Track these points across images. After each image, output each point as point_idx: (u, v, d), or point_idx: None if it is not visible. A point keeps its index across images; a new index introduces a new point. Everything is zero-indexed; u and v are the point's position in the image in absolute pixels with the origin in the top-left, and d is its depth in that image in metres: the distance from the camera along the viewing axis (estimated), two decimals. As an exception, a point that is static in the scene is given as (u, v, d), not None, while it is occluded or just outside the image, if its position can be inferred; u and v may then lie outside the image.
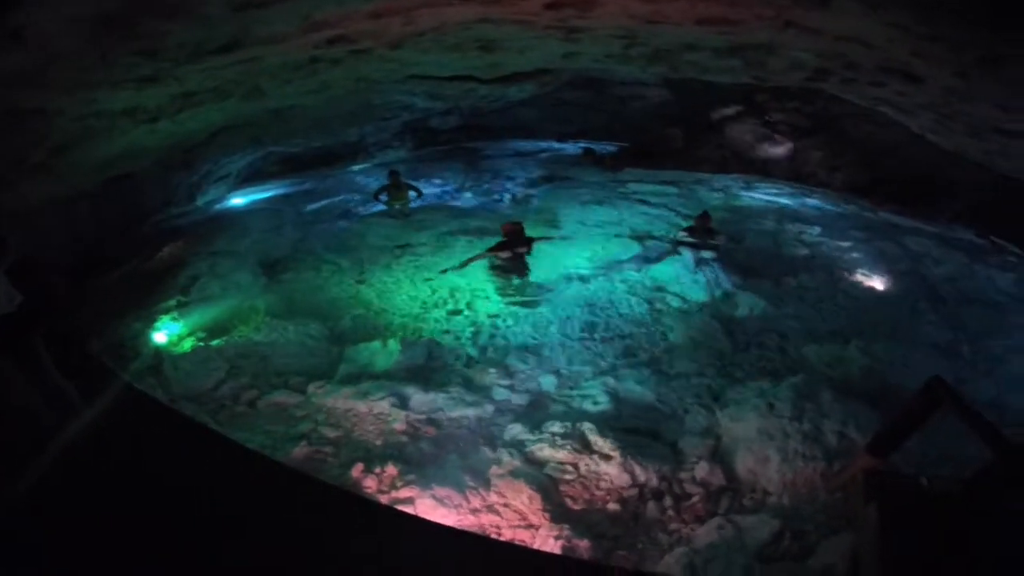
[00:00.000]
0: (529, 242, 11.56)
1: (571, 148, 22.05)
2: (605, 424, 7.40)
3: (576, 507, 6.32)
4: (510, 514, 6.14)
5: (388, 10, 7.27)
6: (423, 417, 7.59)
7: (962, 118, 10.29)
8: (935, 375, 5.42)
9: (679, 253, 12.47)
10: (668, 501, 6.46)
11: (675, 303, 10.88)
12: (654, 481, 6.65)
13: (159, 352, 9.03)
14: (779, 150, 19.12)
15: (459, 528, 5.56)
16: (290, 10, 6.71)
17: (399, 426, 7.42)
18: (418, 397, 7.90)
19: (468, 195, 17.54)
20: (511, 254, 11.26)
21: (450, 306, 10.75)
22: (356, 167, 19.90)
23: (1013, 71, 6.89)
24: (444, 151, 21.39)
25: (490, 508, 6.18)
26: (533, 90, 18.43)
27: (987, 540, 4.81)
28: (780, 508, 6.30)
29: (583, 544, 5.68)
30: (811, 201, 17.10)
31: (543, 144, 22.32)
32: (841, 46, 8.78)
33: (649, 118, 21.11)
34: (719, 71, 12.10)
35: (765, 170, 19.16)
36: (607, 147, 21.43)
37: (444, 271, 11.52)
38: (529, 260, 11.59)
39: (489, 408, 7.86)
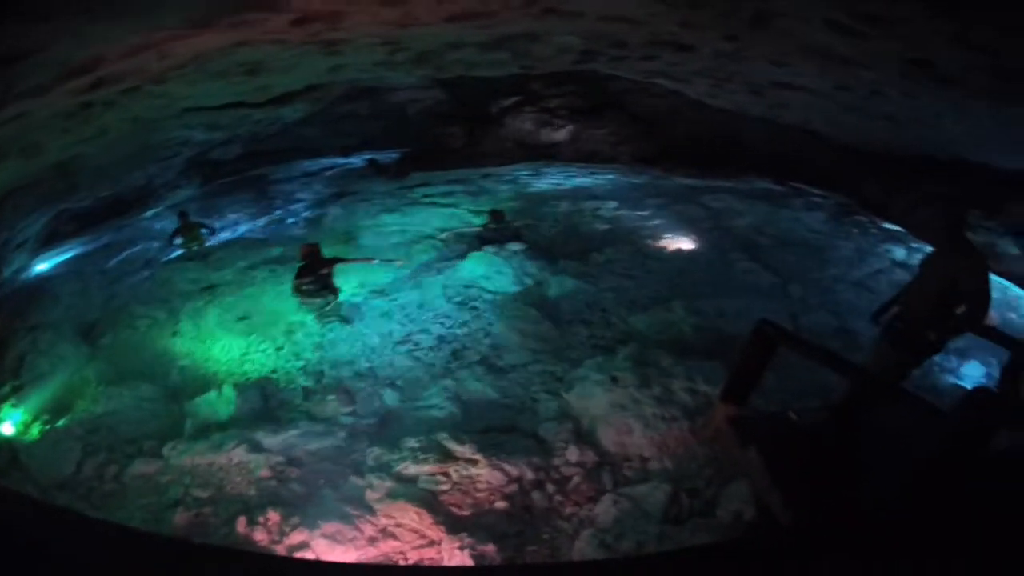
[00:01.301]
0: (331, 262, 11.21)
1: (356, 161, 21.74)
2: (458, 429, 7.45)
3: (465, 514, 6.29)
4: (407, 535, 6.06)
5: (139, 47, 6.98)
6: (282, 458, 7.37)
7: (738, 78, 10.87)
8: (762, 319, 5.74)
9: (481, 249, 12.37)
10: (551, 488, 6.54)
11: (488, 297, 10.89)
12: (529, 473, 6.70)
13: (11, 444, 8.49)
14: (561, 133, 19.49)
15: (371, 564, 5.50)
16: (44, 61, 6.31)
17: (264, 472, 7.18)
18: (269, 439, 7.67)
19: (261, 224, 17.10)
20: (314, 277, 10.90)
21: (271, 341, 10.46)
22: (149, 213, 18.82)
23: (783, 24, 7.33)
24: (231, 183, 20.66)
25: (385, 533, 6.09)
26: (307, 108, 17.98)
27: (854, 452, 5.27)
28: (665, 472, 6.49)
29: (490, 548, 5.69)
30: (603, 178, 17.45)
31: (327, 161, 21.90)
32: (606, 26, 8.94)
33: (428, 120, 21.07)
34: (488, 65, 12.10)
35: (550, 155, 19.47)
36: (391, 155, 21.24)
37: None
38: (335, 280, 11.26)
39: (341, 435, 7.73)
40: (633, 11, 7.98)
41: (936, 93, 8.06)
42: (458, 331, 10.00)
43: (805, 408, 6.24)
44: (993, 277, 11.06)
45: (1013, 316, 10.64)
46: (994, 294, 5.64)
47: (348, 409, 8.38)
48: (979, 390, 5.00)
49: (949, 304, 5.59)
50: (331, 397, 8.64)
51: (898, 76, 7.84)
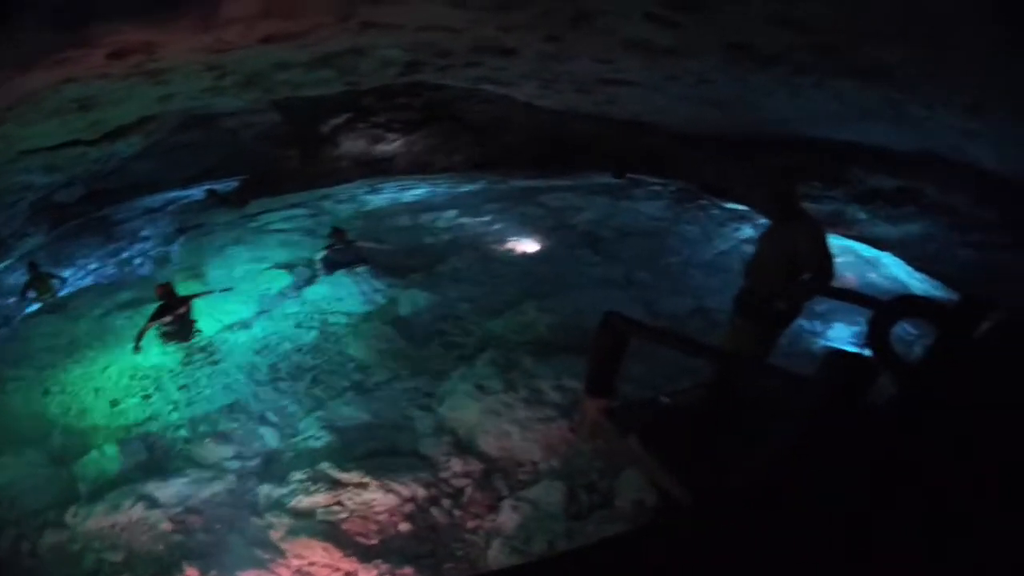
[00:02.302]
0: (185, 300, 11.00)
1: (197, 193, 20.95)
2: (340, 456, 7.33)
3: (373, 541, 6.22)
4: (322, 571, 5.98)
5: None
6: (180, 509, 7.12)
7: (565, 78, 11.07)
8: (608, 311, 5.93)
9: (328, 272, 12.35)
10: (447, 503, 6.52)
11: (343, 320, 10.80)
12: (421, 491, 6.66)
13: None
14: (394, 147, 19.46)
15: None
16: None
17: (166, 526, 6.92)
18: (162, 492, 7.37)
19: (112, 267, 16.59)
20: (173, 317, 10.68)
21: (141, 391, 10.00)
22: (0, 266, 17.79)
23: (603, 22, 7.50)
24: (78, 226, 19.46)
25: (300, 573, 5.99)
26: (141, 141, 17.25)
27: (730, 427, 5.49)
28: (555, 471, 6.53)
29: (408, 571, 5.70)
30: (440, 187, 17.56)
31: (170, 195, 20.97)
32: (427, 36, 9.02)
33: (263, 144, 20.56)
34: (315, 84, 12.07)
35: (385, 169, 19.47)
36: (230, 183, 20.70)
37: (137, 348, 10.54)
38: (193, 318, 11.03)
39: (230, 478, 7.51)
40: (451, 20, 8.06)
41: (762, 74, 8.40)
42: (320, 358, 9.84)
43: (677, 390, 6.43)
44: (849, 242, 11.73)
45: (874, 275, 11.31)
46: (849, 257, 5.90)
47: (230, 451, 8.12)
48: (834, 353, 5.26)
49: (793, 273, 5.83)
50: (210, 441, 8.36)
51: (721, 61, 8.14)
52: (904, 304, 7.26)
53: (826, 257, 5.78)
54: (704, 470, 5.01)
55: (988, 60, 6.14)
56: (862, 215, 12.03)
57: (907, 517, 2.51)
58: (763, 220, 12.41)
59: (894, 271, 11.80)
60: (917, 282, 11.36)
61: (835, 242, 11.78)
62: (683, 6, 6.49)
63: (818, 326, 9.48)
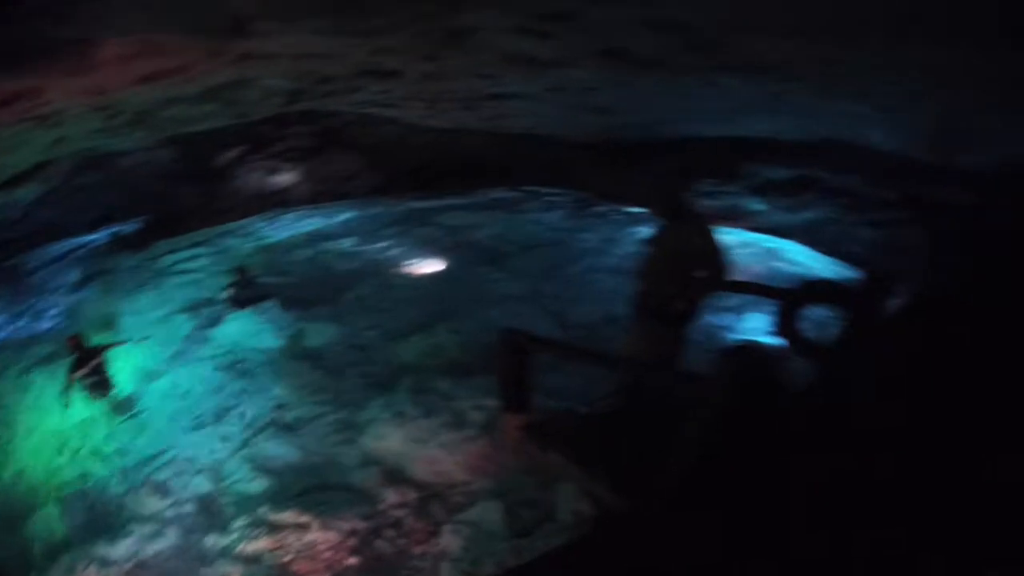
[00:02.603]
0: (98, 351, 10.64)
1: (102, 237, 20.11)
2: (276, 498, 7.30)
3: (325, 578, 6.25)
4: None
5: None
6: (131, 565, 7.07)
7: (449, 96, 10.99)
8: (504, 328, 6.10)
9: (235, 311, 12.06)
10: (390, 533, 6.48)
11: (257, 358, 10.56)
12: (361, 524, 6.63)
13: None
14: (290, 178, 19.13)
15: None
16: None
17: None
18: (112, 551, 7.29)
19: (24, 321, 15.50)
20: (88, 369, 10.31)
21: (67, 446, 9.74)
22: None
23: (479, 37, 7.42)
24: None
25: None
26: (41, 187, 16.67)
27: (647, 429, 5.38)
28: (489, 491, 6.53)
29: None
30: (338, 216, 17.37)
31: (75, 241, 19.99)
32: (306, 64, 8.93)
33: (161, 183, 19.91)
34: (203, 119, 11.88)
35: (283, 201, 19.10)
36: (132, 225, 19.90)
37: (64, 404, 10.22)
38: (109, 369, 10.64)
39: (173, 531, 7.39)
40: (326, 46, 7.98)
41: (645, 78, 8.43)
42: (238, 398, 9.62)
43: (594, 398, 6.50)
44: (750, 234, 11.85)
45: (780, 264, 11.49)
46: (753, 249, 5.88)
47: (167, 501, 7.97)
48: (734, 348, 5.25)
49: (686, 271, 5.80)
50: (146, 493, 8.21)
51: (600, 69, 8.14)
52: (807, 290, 7.33)
53: (718, 253, 5.77)
54: (629, 475, 5.02)
55: (875, 46, 6.19)
56: (760, 206, 12.29)
57: (816, 506, 2.51)
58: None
59: (799, 258, 12.00)
60: (823, 266, 11.52)
61: (737, 236, 12.00)
62: (553, 16, 6.52)
63: (732, 319, 9.54)
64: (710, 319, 9.46)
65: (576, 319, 9.82)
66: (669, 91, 9.18)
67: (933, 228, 10.17)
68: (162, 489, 8.19)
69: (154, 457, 8.88)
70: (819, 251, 11.84)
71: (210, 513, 7.54)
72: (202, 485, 8.06)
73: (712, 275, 5.87)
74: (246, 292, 12.32)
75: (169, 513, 7.76)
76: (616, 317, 9.34)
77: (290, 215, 18.29)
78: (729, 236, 12.18)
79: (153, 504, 7.97)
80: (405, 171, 17.89)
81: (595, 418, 6.19)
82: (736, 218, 12.52)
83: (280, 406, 9.17)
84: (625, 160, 13.51)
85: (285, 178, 19.10)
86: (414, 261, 13.02)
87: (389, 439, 7.59)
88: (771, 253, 12.01)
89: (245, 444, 8.57)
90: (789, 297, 7.05)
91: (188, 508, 7.75)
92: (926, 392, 3.14)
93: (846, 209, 11.50)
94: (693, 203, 6.12)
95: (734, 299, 9.34)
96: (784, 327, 6.93)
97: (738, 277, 7.26)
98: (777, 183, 12.26)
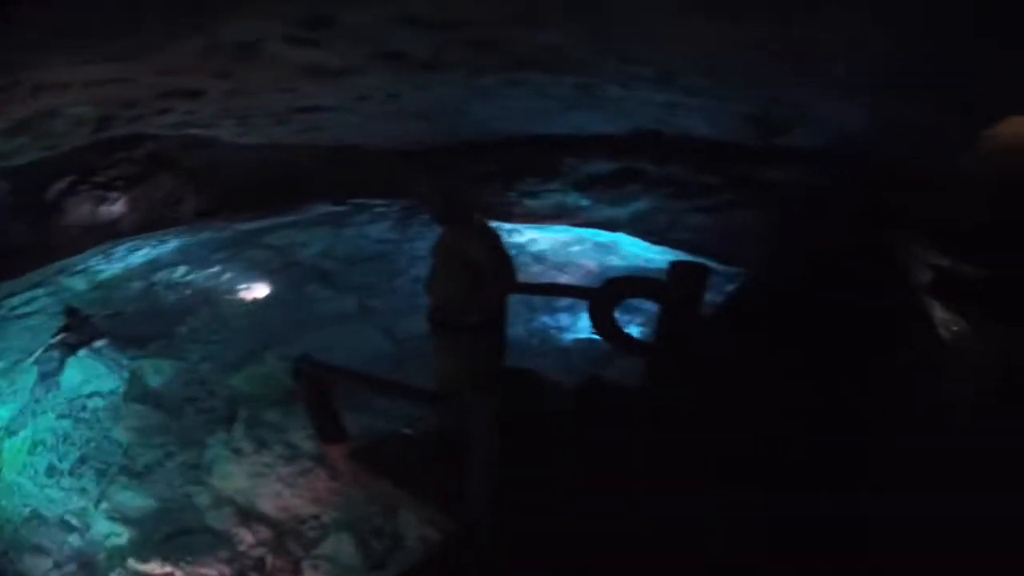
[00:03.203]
0: None
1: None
2: (139, 547, 7.26)
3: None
4: None
5: None
6: None
7: (258, 112, 10.80)
8: (297, 358, 6.27)
9: (71, 355, 11.37)
10: (254, 575, 6.54)
11: (98, 403, 10.19)
12: (226, 569, 6.66)
13: None
14: (118, 207, 18.25)
15: None
16: None
17: None
18: None
19: None
20: None
21: None
22: None
23: (266, 50, 7.17)
24: None
25: None
26: None
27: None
28: (338, 522, 6.62)
29: None
30: (168, 244, 16.80)
31: None
32: (102, 91, 8.52)
33: (-7, 222, 19.07)
34: (14, 153, 11.15)
35: (114, 232, 18.16)
36: (-37, 267, 18.96)
37: None
38: None
39: None
40: (113, 71, 7.63)
41: (437, 79, 8.33)
42: (87, 447, 9.33)
43: (416, 418, 6.73)
44: (580, 230, 11.89)
45: (614, 258, 11.57)
46: (585, 245, 5.77)
47: (49, 562, 7.79)
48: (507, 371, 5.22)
49: (475, 280, 5.66)
50: (27, 555, 7.98)
51: (389, 73, 8.03)
52: (616, 287, 7.31)
53: (502, 259, 5.65)
54: (456, 496, 5.00)
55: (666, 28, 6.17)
56: (584, 202, 12.44)
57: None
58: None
59: (633, 250, 12.12)
60: (658, 255, 11.63)
61: (566, 233, 12.01)
62: (315, 24, 6.40)
63: (564, 320, 9.53)
64: (544, 319, 9.39)
65: (406, 331, 9.82)
66: (473, 92, 9.14)
67: (764, 209, 10.41)
68: (40, 550, 7.99)
69: (24, 518, 8.61)
70: (651, 241, 12.02)
71: (90, 570, 7.47)
72: (75, 541, 7.92)
73: (501, 281, 5.73)
74: (78, 335, 11.77)
75: (55, 574, 7.66)
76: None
77: (122, 247, 17.49)
78: (559, 234, 12.27)
79: (36, 566, 7.79)
80: (232, 192, 17.54)
81: (416, 440, 6.16)
82: (562, 216, 12.65)
83: (127, 452, 8.98)
84: (450, 165, 13.49)
85: (114, 208, 18.35)
86: (244, 286, 12.81)
87: (234, 478, 7.57)
88: (603, 248, 12.17)
89: (103, 494, 8.38)
90: (599, 297, 7.00)
91: (69, 568, 7.63)
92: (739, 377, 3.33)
93: (673, 197, 11.71)
94: (470, 206, 5.95)
95: (565, 300, 9.35)
96: (599, 325, 6.89)
97: (572, 276, 7.21)
98: (599, 177, 12.44)
